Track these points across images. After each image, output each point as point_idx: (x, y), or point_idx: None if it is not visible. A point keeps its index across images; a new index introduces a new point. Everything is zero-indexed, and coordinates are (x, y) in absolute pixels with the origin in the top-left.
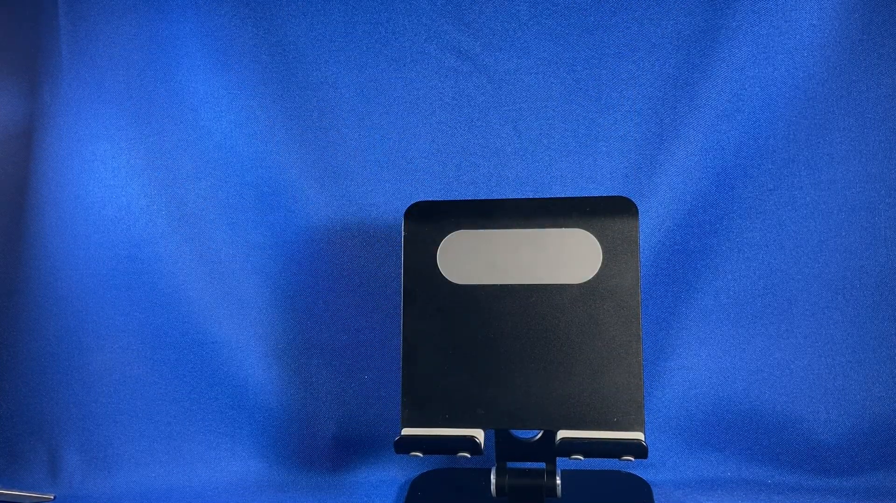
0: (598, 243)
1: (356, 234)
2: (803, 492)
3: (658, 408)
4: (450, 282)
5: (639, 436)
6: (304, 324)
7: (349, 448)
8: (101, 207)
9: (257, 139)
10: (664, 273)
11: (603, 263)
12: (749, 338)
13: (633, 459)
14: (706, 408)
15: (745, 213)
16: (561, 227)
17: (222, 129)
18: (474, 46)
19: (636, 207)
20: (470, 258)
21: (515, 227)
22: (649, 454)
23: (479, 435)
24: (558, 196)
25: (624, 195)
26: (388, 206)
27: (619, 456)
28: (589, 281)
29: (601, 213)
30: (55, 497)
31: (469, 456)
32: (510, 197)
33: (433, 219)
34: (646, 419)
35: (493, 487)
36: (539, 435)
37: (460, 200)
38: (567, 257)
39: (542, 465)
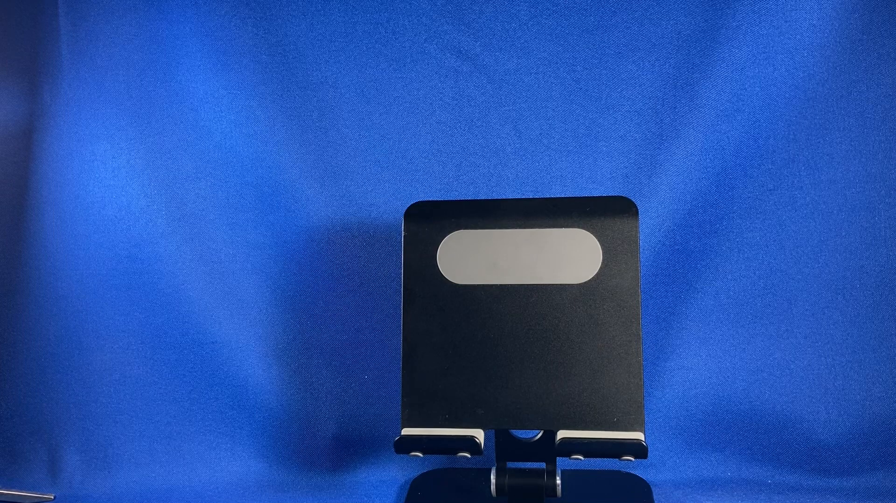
0: (598, 243)
1: (356, 234)
2: (803, 492)
3: (658, 408)
4: (450, 282)
5: (639, 436)
6: (304, 324)
7: (349, 448)
8: (101, 207)
9: (257, 139)
10: (664, 273)
11: (603, 263)
12: (749, 338)
13: (633, 459)
14: (706, 408)
15: (745, 213)
16: (561, 227)
17: (222, 129)
18: (474, 46)
19: (636, 207)
20: (470, 258)
21: (515, 227)
22: (649, 454)
23: (479, 435)
24: (558, 196)
25: (624, 195)
26: (388, 206)
27: (619, 456)
28: (589, 281)
29: (601, 213)
30: (55, 497)
31: (469, 456)
32: (510, 197)
33: (433, 219)
34: (646, 419)
35: (493, 487)
36: (539, 435)
37: (460, 200)
38: (567, 257)
39: (542, 465)
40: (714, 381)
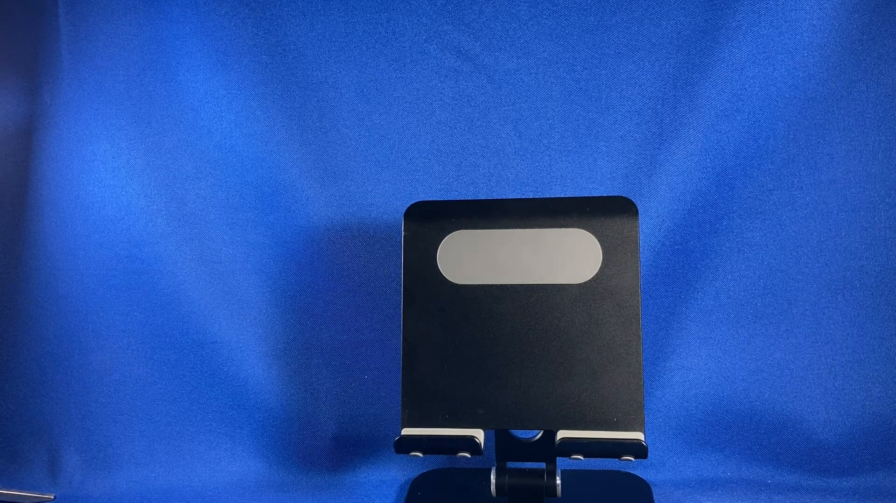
0: (598, 243)
1: (356, 234)
2: (803, 492)
3: (658, 408)
4: (450, 282)
5: (639, 436)
6: (304, 324)
7: (349, 448)
8: (101, 207)
9: (257, 139)
10: (664, 273)
11: (603, 263)
12: (749, 338)
13: (633, 459)
14: (706, 408)
15: (745, 213)
16: (561, 227)
17: (222, 129)
18: (474, 46)
19: (636, 207)
20: (470, 258)
21: (515, 227)
22: (649, 454)
23: (479, 435)
24: (558, 196)
25: (624, 195)
26: (388, 206)
27: (619, 456)
28: (589, 281)
29: (601, 213)
30: (55, 497)
31: (469, 456)
32: (510, 197)
33: (433, 219)
34: (646, 419)
35: (493, 487)
36: (539, 435)
37: (460, 200)
38: (567, 257)
39: (542, 465)
40: (714, 381)
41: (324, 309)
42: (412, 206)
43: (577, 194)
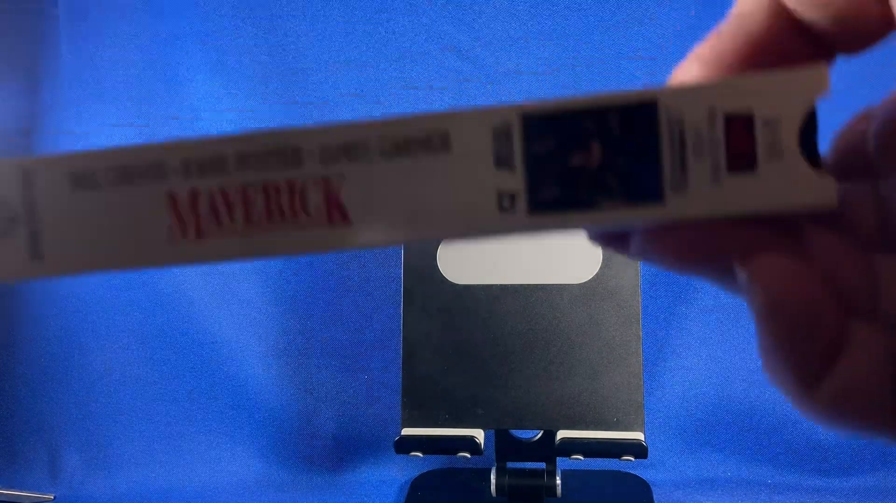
0: None
1: None
2: (803, 492)
3: (658, 408)
4: (450, 282)
5: (639, 436)
6: (304, 325)
7: (349, 448)
8: None
9: None
10: (664, 273)
11: (603, 263)
12: (749, 338)
13: (633, 459)
14: (706, 408)
15: None
16: None
17: (222, 129)
18: (474, 46)
19: None
20: (470, 258)
21: None
22: (649, 454)
23: (479, 435)
24: None
25: None
26: None
27: (619, 456)
28: (589, 281)
29: None
30: (55, 497)
31: (469, 456)
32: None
33: None
34: (646, 419)
35: (493, 487)
36: (539, 435)
37: None
38: (567, 257)
39: (542, 465)
40: (714, 381)
41: (324, 309)
42: None
43: None
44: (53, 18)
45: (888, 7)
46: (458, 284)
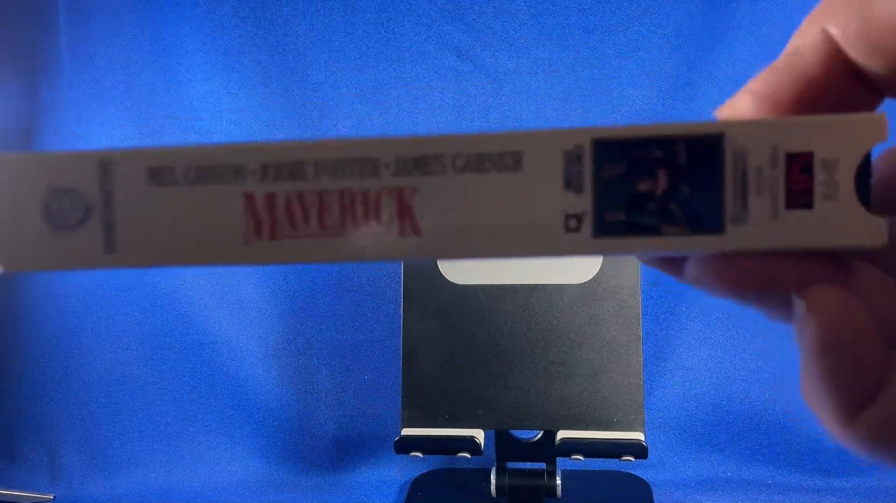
0: None
1: None
2: (803, 492)
3: (658, 408)
4: (450, 282)
5: (639, 436)
6: (304, 324)
7: (349, 448)
8: None
9: (257, 139)
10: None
11: (603, 263)
12: (749, 338)
13: (633, 459)
14: (706, 408)
15: None
16: None
17: (222, 129)
18: (474, 46)
19: None
20: None
21: None
22: (649, 454)
23: (479, 435)
24: None
25: None
26: None
27: (619, 456)
28: (589, 281)
29: None
30: (55, 497)
31: (469, 456)
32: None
33: None
34: (646, 419)
35: (493, 487)
36: (539, 435)
37: None
38: (567, 257)
39: (542, 465)
40: (714, 381)
41: (324, 309)
42: None
43: None
44: (53, 18)
45: None
46: (458, 284)
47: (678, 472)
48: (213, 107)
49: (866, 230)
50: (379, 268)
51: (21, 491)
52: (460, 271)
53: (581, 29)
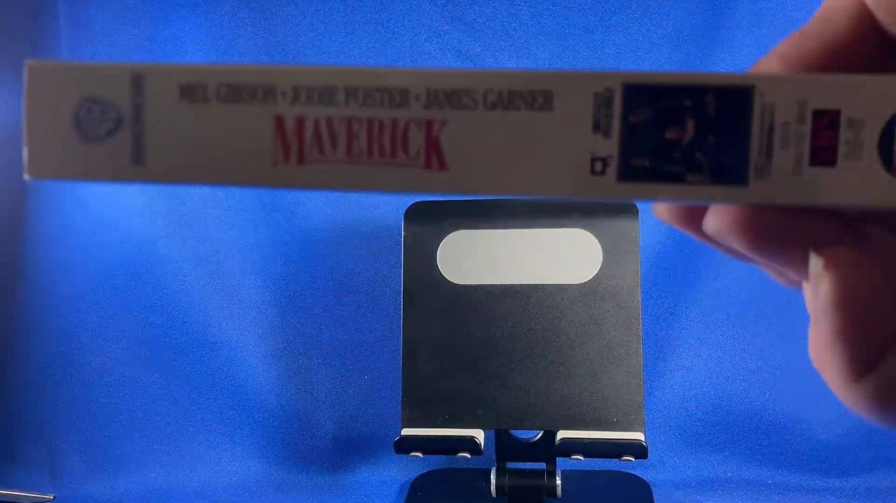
0: (598, 243)
1: (356, 234)
2: (803, 492)
3: (658, 408)
4: (450, 282)
5: (639, 436)
6: (304, 324)
7: (349, 448)
8: (101, 207)
9: None
10: (664, 273)
11: (603, 263)
12: (749, 338)
13: (633, 459)
14: (706, 408)
15: None
16: (561, 227)
17: None
18: (474, 46)
19: (636, 207)
20: (470, 258)
21: (515, 227)
22: (649, 454)
23: (479, 435)
24: None
25: None
26: (388, 205)
27: (619, 456)
28: (589, 281)
29: (601, 213)
30: (55, 497)
31: (469, 456)
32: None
33: (433, 219)
34: (646, 419)
35: (493, 487)
36: (539, 435)
37: (460, 200)
38: (567, 257)
39: (542, 466)
40: (714, 381)
41: (324, 309)
42: (412, 205)
43: None
44: (53, 19)
45: None
46: (458, 284)
47: (678, 472)
48: None
49: (887, 192)
50: (379, 268)
51: (21, 491)
52: (460, 271)
53: (581, 29)
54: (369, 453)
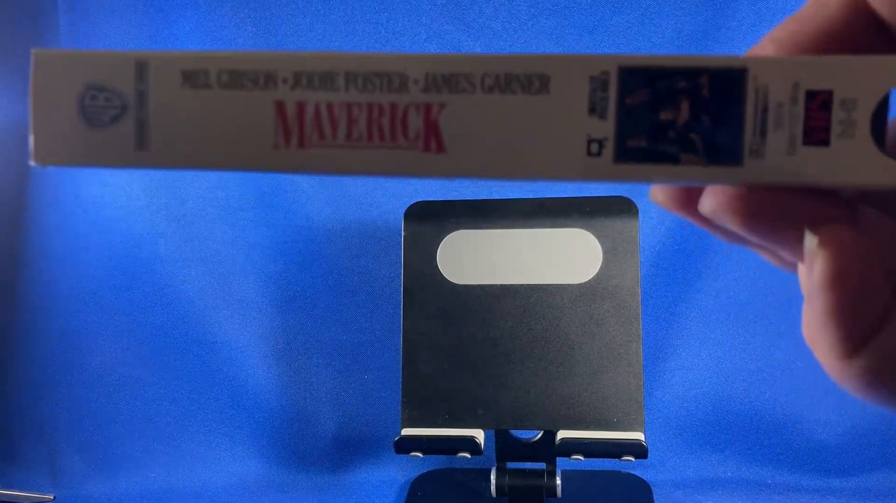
0: (598, 243)
1: (356, 234)
2: (803, 492)
3: (658, 408)
4: (450, 282)
5: (639, 436)
6: (304, 324)
7: (349, 448)
8: (101, 207)
9: None
10: (664, 273)
11: (603, 263)
12: (749, 338)
13: (633, 459)
14: (706, 408)
15: None
16: (561, 227)
17: None
18: (474, 47)
19: (636, 207)
20: (470, 258)
21: (515, 227)
22: (649, 454)
23: (479, 435)
24: (558, 196)
25: (624, 195)
26: (388, 205)
27: (619, 456)
28: (589, 281)
29: (601, 213)
30: (55, 497)
31: (469, 456)
32: (510, 197)
33: (433, 219)
34: (646, 419)
35: (493, 487)
36: (539, 435)
37: (460, 200)
38: (567, 257)
39: (542, 465)
40: (714, 381)
41: (324, 309)
42: (412, 205)
43: (577, 194)
44: (53, 18)
45: None
46: (458, 284)
47: (678, 472)
48: None
49: (880, 171)
50: (379, 268)
51: (21, 491)
52: (460, 271)
53: (581, 29)
54: (369, 453)
